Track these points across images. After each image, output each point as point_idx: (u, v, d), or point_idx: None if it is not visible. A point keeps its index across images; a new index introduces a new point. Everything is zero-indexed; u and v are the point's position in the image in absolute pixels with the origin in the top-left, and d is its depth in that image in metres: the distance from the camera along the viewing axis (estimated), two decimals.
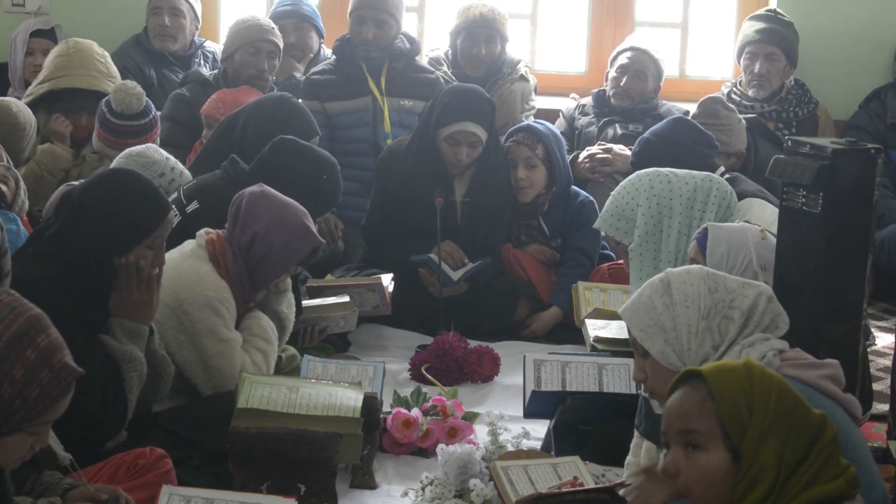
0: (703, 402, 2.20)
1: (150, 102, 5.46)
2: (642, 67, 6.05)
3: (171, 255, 3.90)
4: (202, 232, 4.03)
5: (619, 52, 6.14)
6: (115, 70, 5.81)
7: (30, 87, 5.81)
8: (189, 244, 4.01)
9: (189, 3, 6.36)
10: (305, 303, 4.57)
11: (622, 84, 6.04)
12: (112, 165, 4.81)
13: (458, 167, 5.25)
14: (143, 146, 4.91)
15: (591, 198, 5.40)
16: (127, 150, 4.85)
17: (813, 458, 2.17)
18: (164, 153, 4.87)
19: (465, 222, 5.27)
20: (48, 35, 6.26)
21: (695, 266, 2.93)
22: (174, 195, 4.52)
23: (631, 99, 6.04)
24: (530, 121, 5.65)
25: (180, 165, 4.89)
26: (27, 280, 3.26)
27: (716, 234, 3.56)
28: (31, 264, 3.35)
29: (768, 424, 2.16)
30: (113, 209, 3.39)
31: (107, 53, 5.88)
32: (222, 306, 3.86)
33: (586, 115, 6.16)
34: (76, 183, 4.18)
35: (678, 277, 2.86)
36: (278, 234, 3.94)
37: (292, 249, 3.99)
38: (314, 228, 4.07)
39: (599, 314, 4.65)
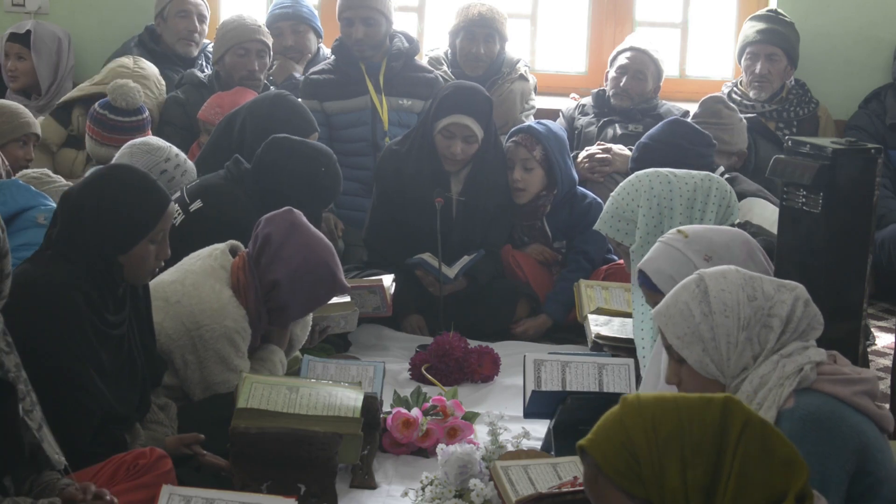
0: (596, 479, 2.16)
1: (144, 107, 5.49)
2: (642, 68, 6.05)
3: (192, 265, 3.89)
4: (226, 249, 3.96)
5: (619, 53, 6.13)
6: (164, 93, 5.83)
7: (83, 84, 5.84)
8: (212, 257, 3.93)
9: (206, 5, 6.37)
10: None
11: (622, 84, 6.04)
12: (115, 158, 4.83)
13: (453, 162, 5.24)
14: (145, 137, 4.94)
15: (599, 199, 5.37)
16: (129, 143, 4.88)
17: (728, 445, 2.10)
18: (165, 142, 4.89)
19: (461, 220, 5.27)
20: (21, 39, 6.23)
21: (731, 268, 2.86)
22: (177, 194, 4.52)
23: (631, 99, 6.03)
24: (533, 121, 5.63)
25: (182, 153, 4.91)
26: (49, 285, 3.27)
27: (652, 267, 3.48)
28: (49, 267, 3.34)
29: (657, 458, 2.10)
30: (112, 207, 3.37)
31: (164, 83, 5.91)
32: (239, 336, 3.82)
33: (586, 115, 6.16)
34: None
35: (715, 283, 2.79)
36: (301, 285, 3.88)
37: (314, 300, 3.97)
38: (340, 272, 3.99)
39: (602, 313, 4.66)
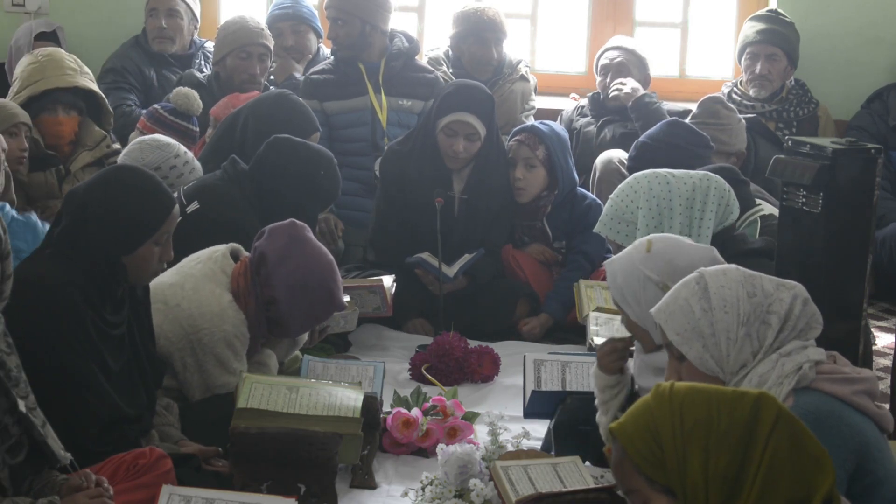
0: (622, 463, 2.16)
1: (196, 119, 5.50)
2: (621, 59, 6.09)
3: (192, 269, 3.88)
4: (227, 252, 3.95)
5: (599, 57, 6.22)
6: (87, 69, 5.66)
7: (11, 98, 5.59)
8: (212, 260, 3.92)
9: (186, 2, 6.34)
10: None
11: (608, 82, 6.08)
12: (125, 153, 4.83)
13: (456, 161, 5.23)
14: (153, 135, 4.97)
15: (598, 200, 5.38)
16: (138, 139, 4.91)
17: (758, 440, 2.08)
18: (172, 139, 4.91)
19: (463, 219, 5.27)
20: (52, 38, 6.23)
21: (731, 266, 2.87)
22: (174, 195, 4.51)
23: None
24: (536, 121, 5.64)
25: (189, 151, 4.91)
26: (49, 284, 3.26)
27: (609, 269, 3.50)
28: (49, 266, 3.34)
29: (681, 446, 2.09)
30: (117, 208, 3.37)
31: (76, 57, 5.72)
32: (237, 341, 3.82)
33: (585, 116, 6.18)
34: None
35: (715, 280, 2.80)
36: (300, 304, 3.87)
37: (312, 318, 3.97)
38: (339, 290, 3.98)
39: (602, 312, 4.67)
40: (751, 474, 2.07)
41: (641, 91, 5.93)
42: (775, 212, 4.77)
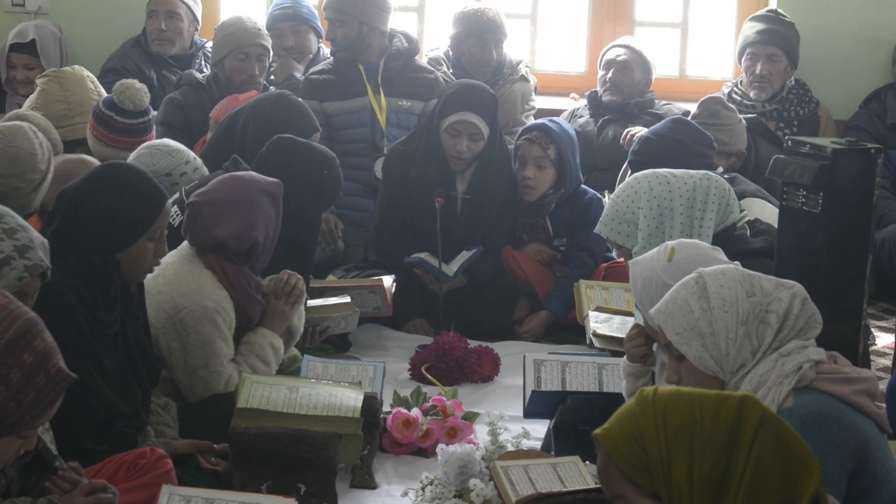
0: (607, 467, 2.16)
1: (150, 108, 5.44)
2: (626, 58, 6.10)
3: (169, 257, 3.88)
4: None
5: (604, 53, 6.22)
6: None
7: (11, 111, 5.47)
8: (186, 244, 3.96)
9: (186, 4, 6.34)
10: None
11: (609, 77, 6.08)
12: (134, 157, 4.81)
13: (459, 161, 5.23)
14: (162, 139, 4.93)
15: (599, 195, 5.39)
16: (147, 143, 4.85)
17: (742, 443, 2.08)
18: (181, 144, 4.89)
19: (465, 218, 5.27)
20: (27, 49, 6.18)
21: (729, 266, 2.88)
22: (176, 195, 4.52)
23: (622, 92, 6.06)
24: (545, 119, 5.62)
25: (196, 156, 4.91)
26: (43, 285, 3.26)
27: (632, 271, 3.49)
28: None
29: (665, 450, 2.09)
30: (110, 205, 3.38)
31: (95, 78, 5.68)
32: (219, 317, 3.82)
33: (582, 116, 6.19)
34: None
35: (714, 280, 2.81)
36: (239, 219, 3.87)
37: (255, 212, 3.94)
38: (274, 188, 4.00)
39: (602, 311, 4.67)
40: (736, 477, 2.06)
41: None
42: (762, 215, 4.78)
